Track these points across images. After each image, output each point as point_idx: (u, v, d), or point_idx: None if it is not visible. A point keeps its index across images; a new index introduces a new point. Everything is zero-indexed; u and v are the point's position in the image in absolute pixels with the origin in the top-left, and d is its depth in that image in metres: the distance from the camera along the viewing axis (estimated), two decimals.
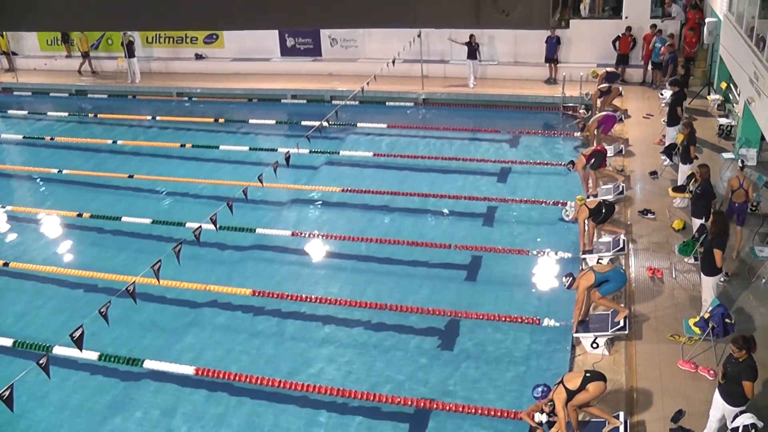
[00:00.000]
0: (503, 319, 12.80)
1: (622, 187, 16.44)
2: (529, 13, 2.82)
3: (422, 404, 11.03)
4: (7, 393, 9.35)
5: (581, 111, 22.14)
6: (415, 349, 12.45)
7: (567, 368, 11.37)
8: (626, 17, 24.63)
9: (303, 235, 16.40)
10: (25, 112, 28.25)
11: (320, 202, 18.21)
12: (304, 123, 22.69)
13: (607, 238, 14.49)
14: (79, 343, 10.69)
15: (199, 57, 29.89)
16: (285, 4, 3.22)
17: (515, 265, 14.72)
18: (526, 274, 14.50)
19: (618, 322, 11.54)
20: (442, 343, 12.58)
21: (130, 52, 29.09)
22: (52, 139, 24.51)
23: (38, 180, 21.67)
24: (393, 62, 23.77)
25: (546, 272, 14.46)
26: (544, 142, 20.93)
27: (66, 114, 27.30)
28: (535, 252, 14.99)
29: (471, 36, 24.51)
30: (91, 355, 12.29)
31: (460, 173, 19.22)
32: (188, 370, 12.04)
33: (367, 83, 22.37)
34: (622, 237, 14.23)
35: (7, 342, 13.27)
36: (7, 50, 33.09)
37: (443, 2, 2.93)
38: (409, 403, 11.03)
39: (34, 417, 11.61)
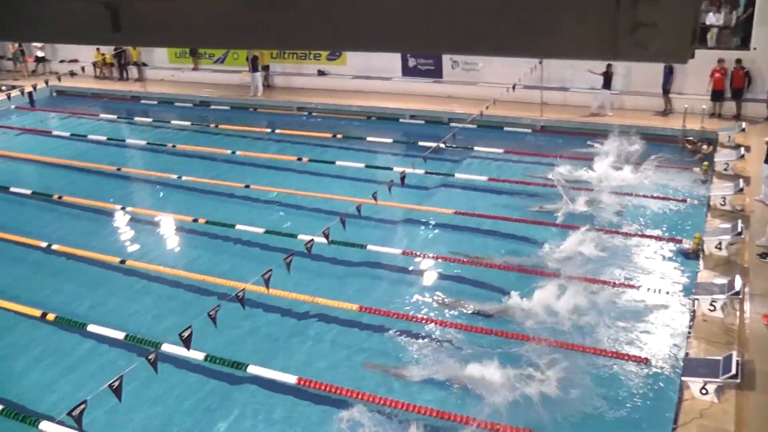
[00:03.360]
0: (609, 354, 12.36)
1: (741, 227, 15.68)
2: (667, 46, 2.65)
3: None
4: (117, 383, 9.68)
5: (703, 146, 21.45)
6: (519, 378, 12.10)
7: (673, 413, 10.85)
8: (755, 48, 23.74)
9: (413, 254, 16.28)
10: (150, 120, 29.24)
11: (432, 223, 18.06)
12: (420, 143, 22.63)
13: (722, 280, 13.79)
14: (187, 343, 10.87)
15: (321, 73, 30.34)
16: (415, 30, 3.13)
17: (625, 299, 14.20)
18: (635, 310, 13.93)
19: (730, 369, 10.96)
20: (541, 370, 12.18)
21: (254, 67, 29.76)
22: (174, 146, 25.26)
23: (158, 184, 22.29)
24: (513, 88, 23.60)
25: (655, 310, 13.86)
26: (662, 175, 20.20)
27: (188, 123, 28.11)
28: (646, 288, 14.43)
29: (608, 65, 24.06)
30: (197, 355, 12.44)
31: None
32: (290, 379, 12.03)
33: (486, 107, 22.25)
34: (739, 280, 13.52)
35: (119, 335, 13.64)
36: (138, 61, 34.55)
37: (579, 34, 2.78)
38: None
39: (136, 408, 11.81)
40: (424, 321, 13.61)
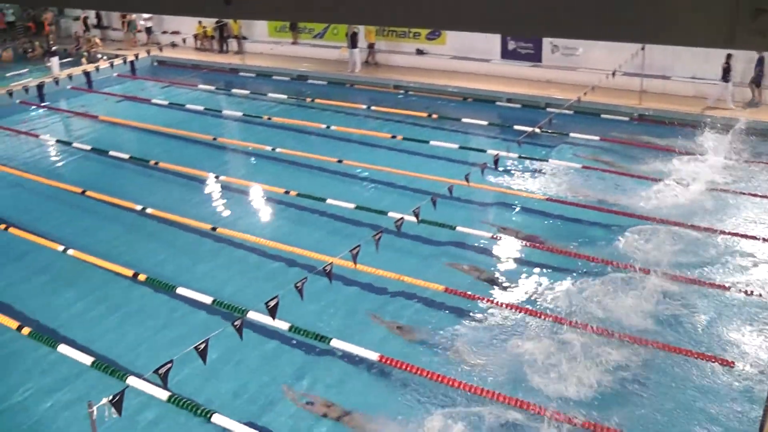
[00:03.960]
0: (693, 355, 11.90)
1: None
2: None
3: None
4: (202, 346, 9.85)
5: None
6: (614, 378, 11.74)
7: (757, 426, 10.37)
8: None
9: (502, 239, 16.01)
10: (247, 92, 29.52)
11: (524, 208, 17.73)
12: (516, 127, 22.25)
13: None
14: (273, 312, 10.93)
15: (420, 52, 30.13)
16: (520, 11, 2.99)
17: (713, 299, 13.65)
18: (723, 311, 13.38)
19: None
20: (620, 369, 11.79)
21: (353, 43, 29.76)
22: (269, 119, 25.47)
23: (252, 155, 22.52)
24: (613, 74, 23.01)
25: (746, 312, 13.27)
26: (760, 171, 19.30)
27: (285, 97, 28.29)
28: (737, 289, 13.79)
29: (728, 56, 23.09)
30: (281, 324, 12.50)
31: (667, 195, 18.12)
32: (372, 355, 11.97)
33: (584, 93, 21.76)
34: None
35: (207, 299, 13.86)
36: (239, 34, 34.93)
37: (693, 20, 2.58)
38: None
39: (217, 372, 11.98)
40: (509, 307, 13.35)
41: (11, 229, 17.65)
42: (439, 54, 29.91)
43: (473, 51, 28.79)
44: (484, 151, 20.55)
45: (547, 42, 27.49)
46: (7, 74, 34.67)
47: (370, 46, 31.00)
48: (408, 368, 11.68)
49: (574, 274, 14.40)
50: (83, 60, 35.62)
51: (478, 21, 3.27)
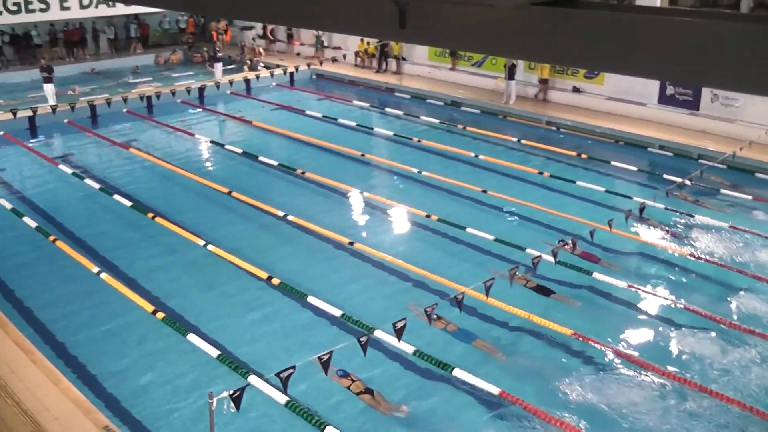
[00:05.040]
0: None
1: None
2: None
3: None
4: (326, 357, 10.10)
5: None
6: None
7: None
8: None
9: (639, 290, 15.38)
10: (400, 113, 29.82)
11: (666, 262, 17.01)
12: (665, 176, 21.58)
13: None
14: (399, 334, 10.97)
15: (576, 90, 29.67)
16: (688, 60, 2.90)
17: None
18: None
19: None
20: None
21: (511, 75, 29.61)
22: (419, 141, 25.62)
23: (397, 175, 22.69)
24: None
25: None
26: None
27: (437, 121, 28.41)
28: None
29: None
30: (406, 347, 12.46)
31: None
32: (493, 389, 11.75)
33: (740, 148, 20.93)
34: None
35: (336, 312, 14.00)
36: (399, 55, 35.37)
37: None
38: None
39: (334, 386, 12.05)
40: (643, 367, 12.83)
41: (157, 219, 18.52)
42: (596, 93, 29.31)
43: (630, 93, 28.06)
44: (630, 197, 19.95)
45: (707, 90, 26.52)
46: (174, 75, 36.52)
47: (543, 82, 30.51)
48: (526, 407, 11.41)
49: (712, 338, 13.73)
50: (245, 68, 37.01)
51: (647, 66, 3.20)
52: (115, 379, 12.53)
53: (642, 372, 12.57)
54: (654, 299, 15.12)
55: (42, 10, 32.43)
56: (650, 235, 18.05)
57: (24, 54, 37.41)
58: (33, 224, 18.37)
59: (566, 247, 16.40)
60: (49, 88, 29.63)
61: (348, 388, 11.80)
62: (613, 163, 23.46)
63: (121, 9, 34.77)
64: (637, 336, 13.95)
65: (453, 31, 3.97)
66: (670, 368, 12.69)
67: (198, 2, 6.31)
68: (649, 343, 13.68)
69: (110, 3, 33.39)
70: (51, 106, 28.47)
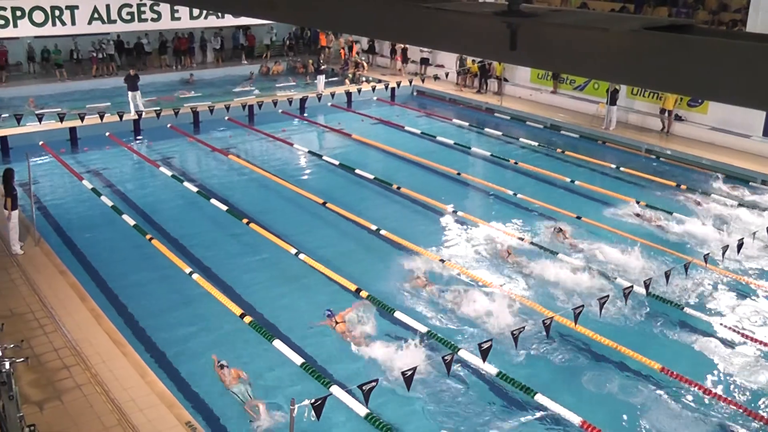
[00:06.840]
0: None
1: None
2: None
3: None
4: (410, 373, 10.31)
5: None
6: None
7: None
8: None
9: (731, 327, 14.94)
10: (499, 133, 29.84)
11: (760, 298, 16.56)
12: (766, 212, 21.05)
13: None
14: (484, 355, 11.04)
15: (678, 118, 29.09)
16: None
17: None
18: None
19: None
20: None
21: (613, 100, 29.28)
22: (516, 163, 25.59)
23: (492, 196, 22.70)
24: None
25: None
26: None
27: (535, 144, 28.34)
28: None
29: None
30: (490, 369, 12.50)
31: None
32: (574, 418, 11.65)
33: None
34: None
35: (422, 328, 14.12)
36: (501, 76, 35.40)
37: None
38: None
39: (413, 399, 12.16)
40: (730, 403, 12.55)
41: (252, 225, 19.01)
42: (698, 123, 28.69)
43: (733, 124, 27.33)
44: (728, 233, 19.51)
45: None
46: (276, 85, 37.34)
47: (665, 113, 29.15)
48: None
49: None
50: (347, 81, 37.54)
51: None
52: (201, 378, 12.94)
53: (734, 410, 12.32)
54: (745, 342, 14.70)
55: (153, 20, 33.98)
56: (745, 271, 17.61)
57: (134, 60, 38.84)
58: (131, 222, 19.13)
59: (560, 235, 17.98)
60: (135, 96, 30.13)
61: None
62: (713, 195, 22.93)
63: (229, 20, 35.79)
64: (729, 374, 13.60)
65: (563, 54, 4.01)
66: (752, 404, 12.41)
67: (306, 15, 6.45)
68: (744, 387, 13.32)
69: (219, 14, 34.39)
70: (137, 112, 29.21)
